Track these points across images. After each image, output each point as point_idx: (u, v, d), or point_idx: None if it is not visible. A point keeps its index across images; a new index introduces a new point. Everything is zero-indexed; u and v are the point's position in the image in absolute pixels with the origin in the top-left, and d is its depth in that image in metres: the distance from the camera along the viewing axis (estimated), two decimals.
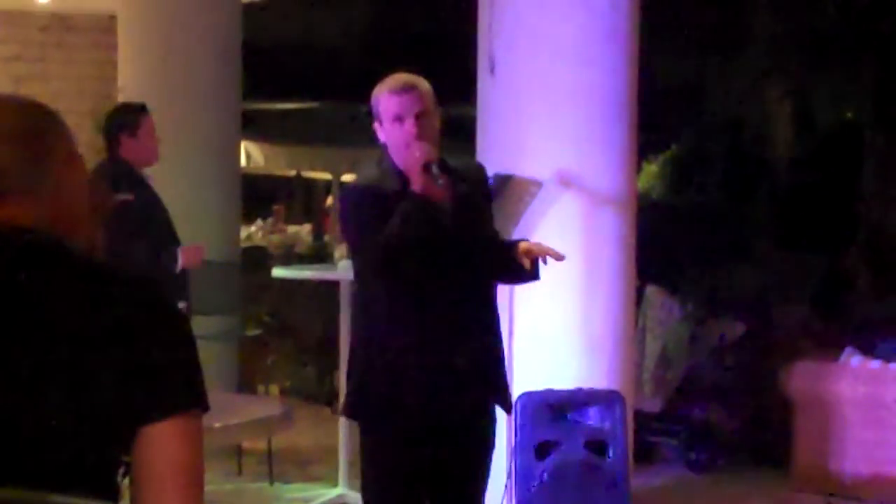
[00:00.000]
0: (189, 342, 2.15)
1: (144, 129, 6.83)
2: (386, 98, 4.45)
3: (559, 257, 4.50)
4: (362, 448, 4.64)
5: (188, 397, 2.12)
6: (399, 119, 4.41)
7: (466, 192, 4.50)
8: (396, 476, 4.54)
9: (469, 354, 4.50)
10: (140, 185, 6.79)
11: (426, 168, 4.32)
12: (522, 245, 4.50)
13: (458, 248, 4.46)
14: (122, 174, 6.72)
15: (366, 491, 4.68)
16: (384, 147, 4.53)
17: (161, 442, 2.08)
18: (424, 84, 4.52)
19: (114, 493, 2.11)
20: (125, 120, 6.83)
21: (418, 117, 4.41)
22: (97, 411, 2.05)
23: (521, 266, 4.47)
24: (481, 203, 4.66)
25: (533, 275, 4.57)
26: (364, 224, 4.42)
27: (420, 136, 4.39)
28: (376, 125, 4.52)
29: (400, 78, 4.51)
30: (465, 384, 4.51)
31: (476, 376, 4.55)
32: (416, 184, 4.33)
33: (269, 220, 20.51)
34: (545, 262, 4.52)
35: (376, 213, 4.35)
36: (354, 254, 4.64)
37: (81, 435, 2.05)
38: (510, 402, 4.84)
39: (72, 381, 2.04)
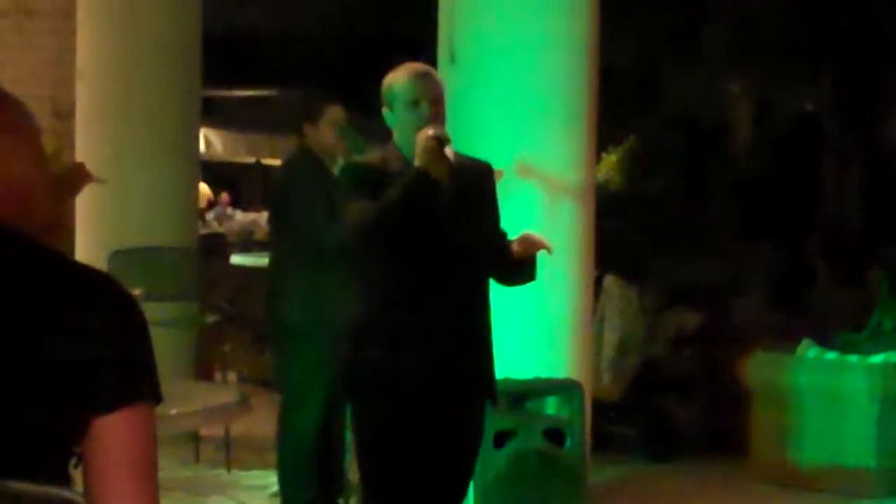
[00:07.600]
0: (143, 332, 2.13)
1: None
2: (404, 82, 4.59)
3: (549, 249, 4.58)
4: (354, 425, 4.69)
5: (141, 388, 2.10)
6: (416, 103, 4.55)
7: (465, 184, 4.58)
8: (388, 452, 4.56)
9: (460, 343, 4.56)
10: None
11: (438, 144, 4.40)
12: (519, 237, 4.58)
13: (452, 232, 4.54)
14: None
15: (360, 465, 4.69)
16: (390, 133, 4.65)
17: (114, 432, 2.06)
18: (437, 73, 4.74)
19: (66, 483, 2.10)
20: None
21: (433, 102, 4.56)
22: (49, 401, 2.03)
23: (517, 265, 4.57)
24: (480, 197, 4.70)
25: (528, 274, 4.65)
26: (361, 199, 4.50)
27: (433, 120, 4.52)
28: (385, 110, 4.64)
29: (416, 65, 4.67)
30: (453, 371, 4.55)
31: (465, 365, 4.60)
32: (419, 159, 4.41)
33: (216, 208, 20.29)
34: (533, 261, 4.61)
35: (374, 192, 4.44)
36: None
37: (34, 424, 2.03)
38: (495, 395, 4.83)
39: (25, 370, 2.03)
